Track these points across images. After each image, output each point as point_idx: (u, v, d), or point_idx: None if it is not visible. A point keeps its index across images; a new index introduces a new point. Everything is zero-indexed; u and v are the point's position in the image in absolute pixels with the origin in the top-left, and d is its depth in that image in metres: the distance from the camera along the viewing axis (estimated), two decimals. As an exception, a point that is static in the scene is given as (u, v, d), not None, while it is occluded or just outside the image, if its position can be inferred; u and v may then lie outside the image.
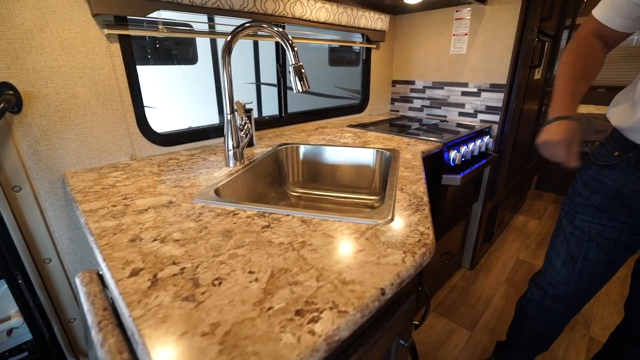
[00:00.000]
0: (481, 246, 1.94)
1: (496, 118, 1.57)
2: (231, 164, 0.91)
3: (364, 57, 1.73)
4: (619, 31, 0.70)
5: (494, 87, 1.55)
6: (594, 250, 0.80)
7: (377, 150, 1.09)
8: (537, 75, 1.79)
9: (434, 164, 1.24)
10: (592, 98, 3.47)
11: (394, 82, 1.95)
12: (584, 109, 3.06)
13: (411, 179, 0.82)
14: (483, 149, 1.44)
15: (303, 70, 0.81)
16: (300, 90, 0.82)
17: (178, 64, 2.49)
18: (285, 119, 1.45)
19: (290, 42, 0.79)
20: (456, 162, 1.23)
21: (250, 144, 1.15)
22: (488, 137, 1.54)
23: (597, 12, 0.72)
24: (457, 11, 1.59)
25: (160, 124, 1.09)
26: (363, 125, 1.54)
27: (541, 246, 2.10)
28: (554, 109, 0.74)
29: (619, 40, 0.73)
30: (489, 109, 1.59)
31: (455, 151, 1.26)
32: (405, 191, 0.75)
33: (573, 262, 0.84)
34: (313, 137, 1.31)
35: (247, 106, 1.05)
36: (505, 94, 1.51)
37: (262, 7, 1.13)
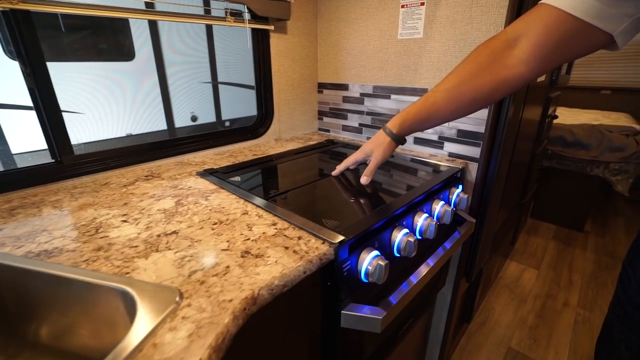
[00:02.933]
0: (454, 335, 1.28)
1: (475, 152, 0.90)
2: None
3: (254, 46, 1.03)
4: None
5: (471, 98, 0.87)
6: None
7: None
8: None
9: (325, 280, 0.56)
10: (596, 101, 2.85)
11: (321, 87, 1.26)
12: (586, 115, 2.43)
13: None
14: (448, 217, 0.76)
15: None
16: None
17: (109, 60, 1.82)
18: (63, 167, 0.74)
19: None
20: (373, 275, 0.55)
21: None
22: (459, 188, 0.87)
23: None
24: (406, -38, 0.90)
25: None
26: (227, 171, 0.85)
27: (542, 320, 1.46)
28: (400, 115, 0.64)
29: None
30: (464, 136, 0.91)
31: (370, 253, 0.58)
32: None
33: None
34: (83, 214, 0.60)
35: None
36: (493, 108, 0.83)
37: None
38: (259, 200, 0.65)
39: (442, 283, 1.00)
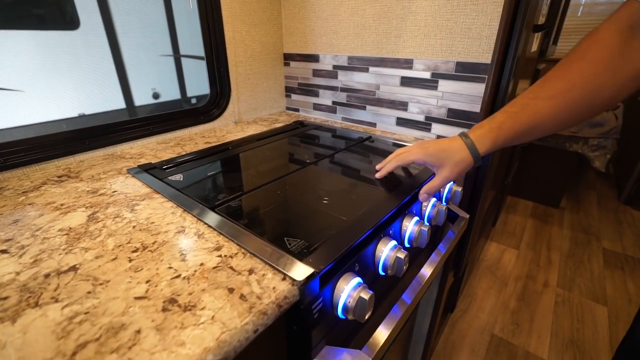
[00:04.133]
0: (439, 328, 1.22)
1: (468, 135, 0.77)
2: None
3: (200, 5, 0.82)
4: None
5: (466, 71, 0.73)
6: None
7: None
8: (534, 45, 1.00)
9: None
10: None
11: (287, 58, 1.07)
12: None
13: None
14: (441, 217, 0.63)
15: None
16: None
17: (49, 29, 1.49)
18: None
19: None
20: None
21: None
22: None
23: None
24: None
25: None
26: (168, 165, 0.68)
27: (524, 303, 1.43)
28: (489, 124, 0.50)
29: None
30: (455, 116, 0.78)
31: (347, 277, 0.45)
32: None
33: None
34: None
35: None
36: (490, 83, 0.70)
37: None
38: (202, 211, 0.49)
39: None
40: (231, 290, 0.34)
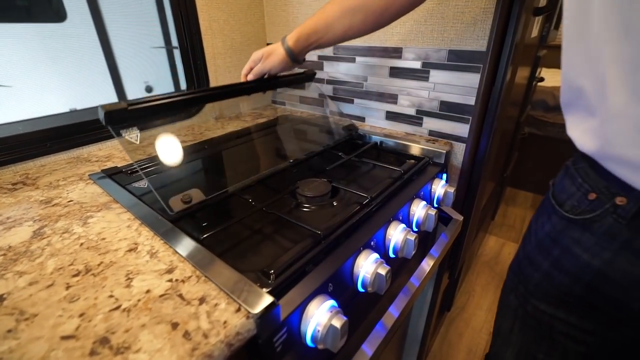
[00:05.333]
0: (435, 328, 1.18)
1: (462, 129, 0.71)
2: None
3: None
4: None
5: (459, 59, 0.67)
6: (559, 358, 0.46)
7: None
8: (534, 30, 0.93)
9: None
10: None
11: (272, 48, 1.00)
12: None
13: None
14: (430, 223, 0.58)
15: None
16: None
17: (34, 21, 1.42)
18: None
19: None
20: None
21: None
22: (443, 177, 0.69)
23: None
24: None
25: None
26: (135, 169, 0.62)
27: (523, 299, 1.39)
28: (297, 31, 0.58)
29: None
30: (449, 109, 0.72)
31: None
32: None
33: None
34: None
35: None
36: (486, 73, 0.64)
37: None
38: (161, 224, 0.44)
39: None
40: (175, 326, 0.29)
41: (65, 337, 0.29)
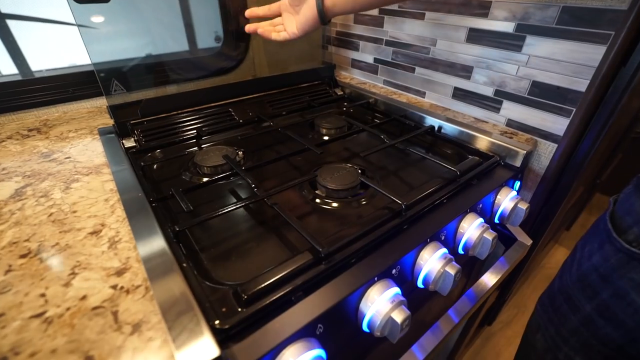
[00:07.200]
0: (469, 341, 1.04)
1: (557, 123, 0.52)
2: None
3: None
4: None
5: (577, 22, 0.46)
6: None
7: None
8: None
9: None
10: None
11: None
12: None
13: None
14: (485, 249, 0.43)
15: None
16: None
17: None
18: None
19: None
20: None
21: None
22: (515, 186, 0.52)
23: None
24: None
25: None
26: (147, 130, 0.56)
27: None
28: None
29: None
30: (542, 93, 0.52)
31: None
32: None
33: None
34: None
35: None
36: (619, 44, 0.43)
37: None
38: (139, 205, 0.37)
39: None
40: (87, 363, 0.22)
41: (-34, 346, 0.23)
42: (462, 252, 0.43)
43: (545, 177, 0.54)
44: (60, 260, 0.30)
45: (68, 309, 0.25)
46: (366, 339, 0.39)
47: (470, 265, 0.57)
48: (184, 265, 0.30)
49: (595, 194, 1.75)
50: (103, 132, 0.53)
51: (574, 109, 0.48)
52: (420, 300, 0.46)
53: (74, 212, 0.36)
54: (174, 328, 0.23)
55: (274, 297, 0.28)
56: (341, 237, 0.34)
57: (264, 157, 0.54)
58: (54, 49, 0.65)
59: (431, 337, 0.38)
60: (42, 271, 0.29)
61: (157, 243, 0.31)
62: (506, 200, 0.47)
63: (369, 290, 0.32)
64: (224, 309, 0.27)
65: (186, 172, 0.48)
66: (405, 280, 0.37)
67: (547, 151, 0.53)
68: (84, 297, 0.26)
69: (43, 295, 0.27)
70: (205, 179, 0.45)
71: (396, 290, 0.33)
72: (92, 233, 0.33)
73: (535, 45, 0.50)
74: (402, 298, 0.32)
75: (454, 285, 0.37)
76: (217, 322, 0.25)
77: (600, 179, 1.18)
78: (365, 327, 0.33)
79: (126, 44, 0.62)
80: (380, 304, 0.32)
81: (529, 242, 0.51)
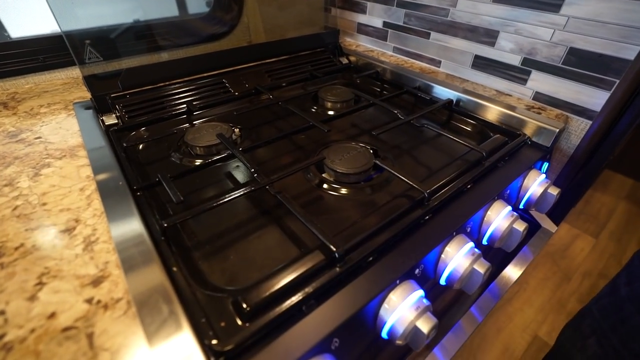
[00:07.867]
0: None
1: (595, 97, 0.46)
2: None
3: None
4: None
5: (629, -23, 0.39)
6: None
7: None
8: None
9: None
10: None
11: (329, -51, 0.74)
12: None
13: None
14: (514, 240, 0.39)
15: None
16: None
17: None
18: None
19: None
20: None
21: None
22: (542, 168, 0.47)
23: None
24: None
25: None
26: (130, 103, 0.49)
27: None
28: None
29: None
30: (580, 62, 0.46)
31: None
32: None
33: None
34: None
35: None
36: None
37: None
38: (117, 193, 0.31)
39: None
40: (54, 407, 0.18)
41: None
42: (487, 244, 0.39)
43: (573, 157, 0.49)
44: (24, 267, 0.25)
45: (33, 330, 0.21)
46: (382, 344, 0.35)
47: (491, 255, 0.53)
48: (174, 269, 0.25)
49: (604, 170, 1.71)
50: (80, 108, 0.47)
51: (617, 81, 0.43)
52: (437, 295, 0.42)
53: (44, 204, 0.31)
54: (163, 354, 0.19)
55: (283, 308, 0.23)
56: (356, 232, 0.29)
57: (263, 135, 0.48)
58: (38, 15, 0.56)
59: (453, 339, 0.35)
60: (2, 281, 0.24)
61: (141, 243, 0.26)
62: (534, 184, 0.42)
63: (390, 295, 0.28)
64: (222, 324, 0.23)
65: (176, 153, 0.42)
66: (427, 278, 0.33)
67: (578, 129, 0.48)
68: (52, 315, 0.22)
69: (2, 312, 0.22)
70: (197, 162, 0.39)
71: (420, 293, 0.29)
72: (64, 231, 0.28)
73: (578, 4, 0.43)
74: (428, 303, 0.28)
75: (481, 284, 0.33)
76: (214, 342, 0.21)
77: (612, 155, 1.14)
78: (384, 335, 0.29)
79: (105, 10, 0.54)
80: (403, 310, 0.27)
81: (554, 229, 0.47)
